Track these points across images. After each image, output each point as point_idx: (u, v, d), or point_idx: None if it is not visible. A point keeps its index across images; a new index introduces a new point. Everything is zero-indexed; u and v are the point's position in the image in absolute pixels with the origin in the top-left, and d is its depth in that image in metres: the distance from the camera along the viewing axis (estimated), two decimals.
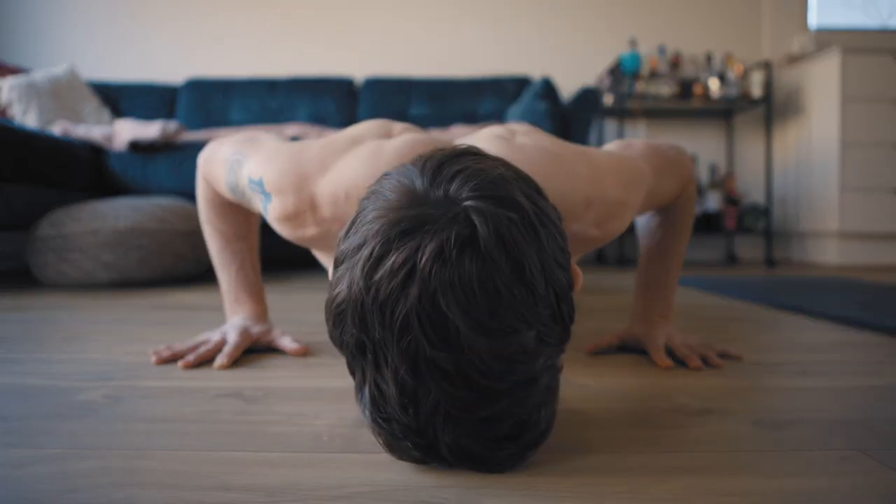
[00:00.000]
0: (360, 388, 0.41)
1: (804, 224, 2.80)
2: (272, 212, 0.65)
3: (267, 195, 0.65)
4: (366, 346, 0.39)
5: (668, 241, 0.84)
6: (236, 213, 0.84)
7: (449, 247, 0.37)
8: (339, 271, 0.41)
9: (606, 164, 0.65)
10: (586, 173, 0.62)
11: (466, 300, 0.36)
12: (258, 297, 0.85)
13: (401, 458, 0.42)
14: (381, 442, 0.42)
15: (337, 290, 0.40)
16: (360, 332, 0.38)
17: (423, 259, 0.37)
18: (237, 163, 0.71)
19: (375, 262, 0.38)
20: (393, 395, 0.38)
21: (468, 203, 0.39)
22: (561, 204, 0.55)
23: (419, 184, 0.41)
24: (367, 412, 0.40)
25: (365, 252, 0.39)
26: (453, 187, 0.40)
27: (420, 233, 0.38)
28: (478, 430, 0.39)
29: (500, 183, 0.41)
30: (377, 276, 0.37)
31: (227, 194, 0.76)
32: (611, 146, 0.74)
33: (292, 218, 0.64)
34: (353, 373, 0.42)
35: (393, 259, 0.37)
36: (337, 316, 0.40)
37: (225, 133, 2.20)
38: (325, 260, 0.76)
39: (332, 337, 0.42)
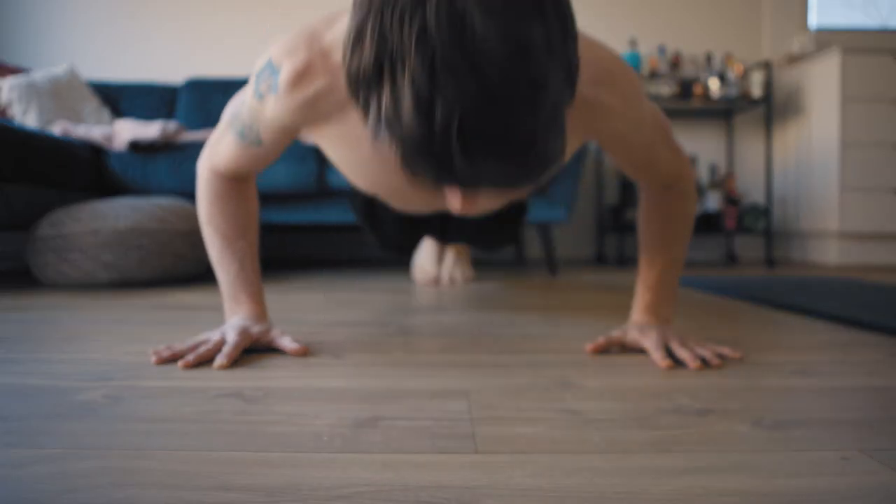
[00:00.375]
0: (376, 112, 0.42)
1: (804, 224, 2.80)
2: (283, 81, 0.67)
3: (276, 71, 0.68)
4: (383, 63, 0.40)
5: (668, 241, 0.84)
6: (236, 209, 0.84)
7: None
8: (356, 3, 0.44)
9: (609, 51, 0.69)
10: (587, 44, 0.65)
11: None
12: (258, 297, 0.85)
13: (414, 177, 0.43)
14: (398, 157, 0.43)
15: (356, 15, 0.43)
16: (378, 47, 0.40)
17: None
18: (239, 102, 0.76)
19: None
20: (408, 106, 0.39)
21: None
22: None
23: None
24: (384, 130, 0.42)
25: None
26: None
27: None
28: (491, 138, 0.40)
29: None
30: None
31: (235, 151, 0.78)
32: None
33: (303, 75, 0.66)
34: (367, 103, 0.43)
35: None
36: (356, 38, 0.42)
37: None
38: (332, 144, 0.77)
39: (348, 70, 0.44)
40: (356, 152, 0.76)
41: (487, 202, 0.78)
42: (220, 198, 0.84)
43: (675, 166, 0.82)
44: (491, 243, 1.53)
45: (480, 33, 0.38)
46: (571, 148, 0.79)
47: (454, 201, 0.51)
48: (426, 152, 0.41)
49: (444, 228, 1.39)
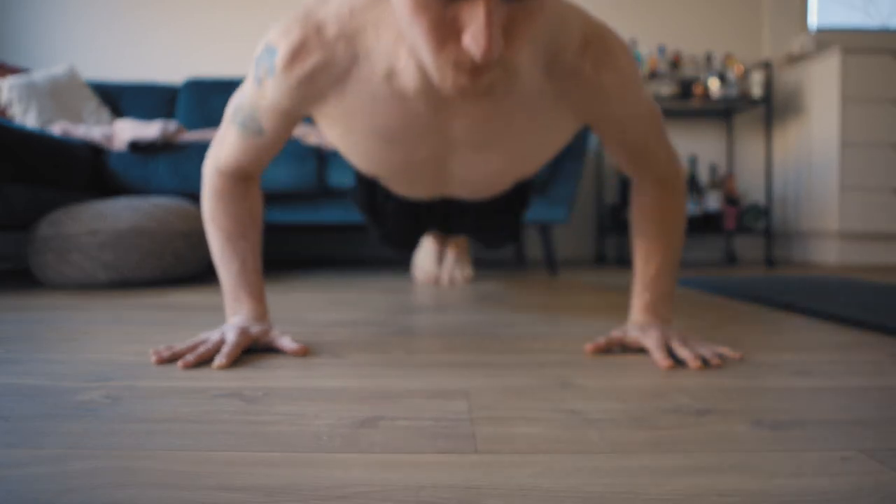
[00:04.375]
0: None
1: (804, 224, 2.80)
2: (280, 59, 0.69)
3: (273, 51, 0.70)
4: None
5: (663, 240, 0.84)
6: (240, 207, 0.84)
7: None
8: None
9: (606, 26, 0.72)
10: (585, 18, 0.70)
11: None
12: (258, 297, 0.85)
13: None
14: None
15: None
16: None
17: None
18: (241, 94, 0.78)
19: None
20: None
21: None
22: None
23: None
24: None
25: None
26: None
27: None
28: None
29: None
30: None
31: (240, 144, 0.80)
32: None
33: (298, 52, 0.68)
34: None
35: None
36: None
37: None
38: (331, 122, 0.78)
39: None
40: (356, 129, 0.77)
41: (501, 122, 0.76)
42: (223, 197, 0.84)
43: (669, 161, 0.84)
44: (492, 237, 1.50)
45: None
46: (570, 129, 0.80)
47: (477, 33, 0.49)
48: None
49: (446, 219, 1.37)
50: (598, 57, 0.68)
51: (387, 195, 1.27)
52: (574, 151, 2.08)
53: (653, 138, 0.81)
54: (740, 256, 3.06)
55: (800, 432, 0.50)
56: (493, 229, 1.43)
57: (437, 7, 0.49)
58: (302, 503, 0.37)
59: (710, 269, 2.41)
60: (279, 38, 0.70)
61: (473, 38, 0.49)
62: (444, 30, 0.50)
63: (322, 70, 0.69)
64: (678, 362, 0.74)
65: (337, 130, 0.79)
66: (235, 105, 0.80)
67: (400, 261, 2.79)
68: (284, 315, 1.13)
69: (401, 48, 0.66)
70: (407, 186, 1.00)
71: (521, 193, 1.34)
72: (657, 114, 0.81)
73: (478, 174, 0.91)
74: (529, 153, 0.84)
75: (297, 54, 0.68)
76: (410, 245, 1.50)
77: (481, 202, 1.26)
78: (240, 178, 0.86)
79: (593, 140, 2.93)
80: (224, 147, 0.83)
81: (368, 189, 1.30)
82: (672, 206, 0.85)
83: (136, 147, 2.05)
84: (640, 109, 0.77)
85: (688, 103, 2.80)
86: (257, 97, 0.75)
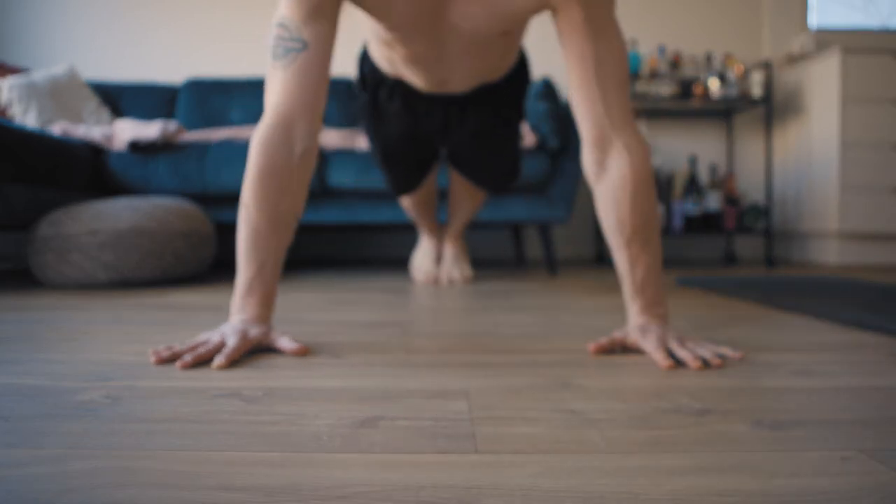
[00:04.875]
0: None
1: (804, 224, 2.80)
2: None
3: None
4: None
5: (641, 236, 0.82)
6: (280, 195, 0.82)
7: None
8: None
9: None
10: None
11: None
12: (267, 301, 0.84)
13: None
14: None
15: None
16: None
17: None
18: (272, 49, 0.84)
19: None
20: None
21: None
22: None
23: None
24: None
25: None
26: None
27: None
28: None
29: None
30: None
31: (289, 76, 0.83)
32: None
33: None
34: None
35: None
36: None
37: (225, 133, 2.20)
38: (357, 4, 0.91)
39: None
40: (384, 14, 0.90)
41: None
42: (265, 174, 0.81)
43: (632, 126, 0.85)
44: (494, 170, 1.63)
45: None
46: (529, 5, 0.88)
47: None
48: None
49: (447, 129, 1.52)
50: None
51: (391, 94, 1.44)
52: (574, 151, 2.08)
53: (616, 84, 0.84)
54: (740, 256, 3.06)
55: (800, 432, 0.50)
56: (491, 151, 1.59)
57: None
58: (302, 503, 0.37)
59: (710, 269, 2.41)
60: None
61: None
62: None
63: None
64: (678, 363, 0.74)
65: (365, 16, 0.88)
66: (273, 42, 0.82)
67: (400, 261, 2.79)
68: (284, 315, 1.13)
69: None
70: (413, 70, 1.21)
71: (513, 97, 1.54)
72: (624, 70, 0.85)
73: (470, 55, 1.15)
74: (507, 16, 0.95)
75: None
76: (416, 183, 1.64)
77: (479, 107, 1.46)
78: (292, 130, 0.83)
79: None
80: (272, 92, 0.84)
81: (385, 143, 1.52)
82: (643, 189, 0.82)
83: (136, 147, 2.05)
84: (606, 35, 0.85)
85: (688, 103, 2.80)
86: (289, 9, 0.81)
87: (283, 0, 0.83)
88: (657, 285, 0.84)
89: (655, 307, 0.83)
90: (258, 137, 0.83)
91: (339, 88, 2.68)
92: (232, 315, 0.84)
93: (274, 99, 0.84)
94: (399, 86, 1.43)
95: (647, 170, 0.84)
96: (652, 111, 2.94)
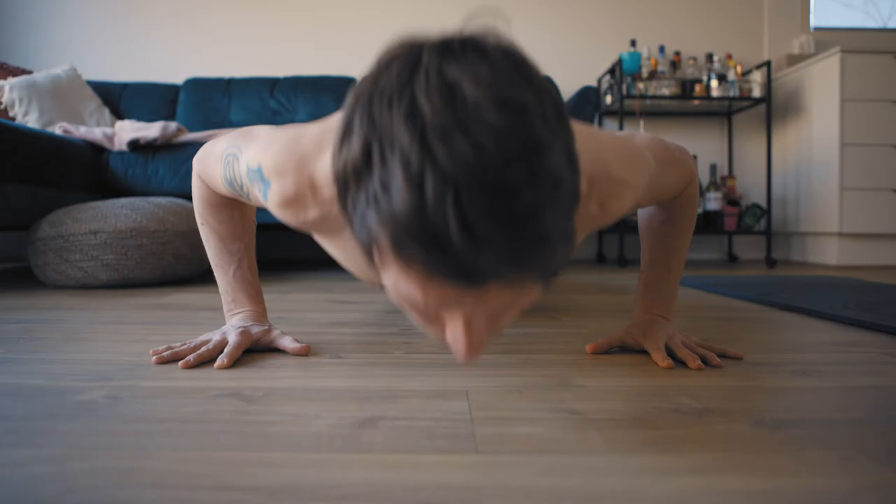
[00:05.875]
0: (363, 206, 0.38)
1: (804, 224, 2.80)
2: (272, 198, 0.65)
3: (266, 182, 0.65)
4: (371, 147, 0.38)
5: (669, 242, 0.84)
6: (232, 212, 0.83)
7: (453, 42, 0.39)
8: (346, 102, 0.41)
9: (610, 143, 0.65)
10: (591, 150, 0.62)
11: (472, 70, 0.37)
12: (257, 298, 0.85)
13: (406, 266, 0.38)
14: (386, 245, 0.38)
15: (345, 111, 0.40)
16: (366, 132, 0.38)
17: (428, 54, 0.38)
18: (233, 157, 0.71)
19: (379, 73, 0.39)
20: (399, 179, 0.36)
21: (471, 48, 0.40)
22: None
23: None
24: (371, 213, 0.38)
25: (370, 74, 0.40)
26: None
27: (422, 44, 0.40)
28: (489, 207, 0.35)
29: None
30: (382, 81, 0.38)
31: (225, 190, 0.76)
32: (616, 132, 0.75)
33: (293, 202, 0.64)
34: (355, 204, 0.39)
35: (396, 65, 0.38)
36: (345, 131, 0.39)
37: (225, 133, 2.21)
38: (329, 245, 0.76)
39: (336, 170, 0.40)
40: (353, 256, 0.74)
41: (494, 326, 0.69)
42: (213, 205, 0.83)
43: (681, 180, 0.80)
44: None
45: (472, 99, 0.36)
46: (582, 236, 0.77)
47: (456, 339, 0.43)
48: (419, 229, 0.36)
49: None
50: (604, 195, 0.64)
51: None
52: None
53: (665, 177, 0.76)
54: (740, 256, 3.06)
55: (800, 432, 0.50)
56: None
57: (423, 279, 0.41)
58: (302, 503, 0.37)
59: (710, 269, 2.41)
60: (272, 174, 0.64)
61: (453, 342, 0.43)
62: (429, 318, 0.44)
63: (318, 222, 0.66)
64: (678, 362, 0.74)
65: (331, 249, 0.77)
66: (225, 161, 0.73)
67: None
68: (284, 315, 1.13)
69: None
70: None
71: None
72: (659, 155, 0.74)
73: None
74: None
75: (291, 203, 0.64)
76: None
77: None
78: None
79: None
80: (211, 175, 0.78)
81: None
82: (682, 211, 0.84)
83: (136, 146, 2.05)
84: (650, 186, 0.72)
85: (688, 103, 2.80)
86: (248, 186, 0.70)
87: (242, 170, 0.69)
88: (669, 289, 0.84)
89: (662, 308, 0.83)
90: (200, 190, 0.83)
91: (339, 88, 2.69)
92: (228, 318, 0.84)
93: (213, 185, 0.79)
94: None
95: (695, 196, 0.84)
96: (652, 111, 2.94)
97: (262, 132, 0.71)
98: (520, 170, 0.36)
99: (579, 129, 0.64)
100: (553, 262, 0.39)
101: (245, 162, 0.68)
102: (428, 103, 0.36)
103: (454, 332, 0.42)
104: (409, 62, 0.38)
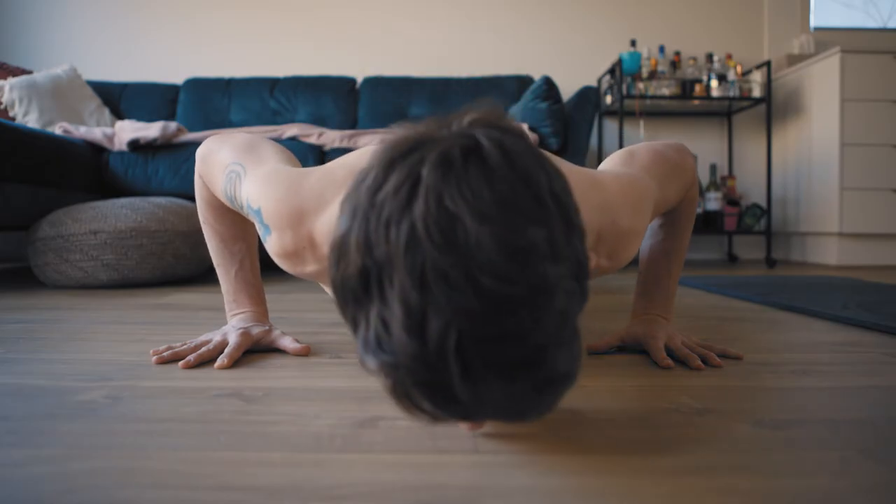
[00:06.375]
0: (364, 333, 0.38)
1: (804, 224, 2.79)
2: (271, 247, 0.65)
3: (266, 227, 0.65)
4: (370, 275, 0.36)
5: (669, 242, 0.84)
6: (234, 214, 0.83)
7: (453, 154, 0.36)
8: (343, 208, 0.39)
9: (616, 191, 0.64)
10: (597, 202, 0.61)
11: (473, 197, 0.35)
12: (258, 299, 0.85)
13: (410, 411, 0.38)
14: (388, 389, 0.38)
15: (341, 224, 0.39)
16: (363, 257, 0.36)
17: (427, 168, 0.36)
18: (236, 175, 0.70)
19: (378, 183, 0.37)
20: (399, 321, 0.35)
21: (471, 129, 0.38)
22: None
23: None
24: (372, 355, 0.37)
25: (368, 179, 0.38)
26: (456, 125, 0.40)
27: (422, 148, 0.37)
28: (493, 356, 0.35)
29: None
30: (380, 196, 0.36)
31: (225, 201, 0.75)
32: (614, 159, 0.74)
33: (291, 255, 0.64)
34: (355, 322, 0.38)
35: (396, 176, 0.37)
36: (340, 248, 0.38)
37: (225, 133, 2.20)
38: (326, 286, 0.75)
39: (333, 282, 0.39)
40: None
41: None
42: (215, 207, 0.83)
43: (682, 189, 0.79)
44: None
45: (474, 238, 0.34)
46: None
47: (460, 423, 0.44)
48: (421, 376, 0.35)
49: None
50: (613, 248, 0.64)
51: None
52: (574, 151, 2.07)
53: (667, 190, 0.74)
54: (740, 256, 3.06)
55: (800, 432, 0.50)
56: None
57: (427, 420, 0.41)
58: (302, 503, 0.37)
59: (710, 269, 2.41)
60: (271, 220, 0.63)
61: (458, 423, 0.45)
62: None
63: (316, 275, 0.66)
64: (678, 362, 0.74)
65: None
66: (227, 177, 0.72)
67: None
68: (284, 315, 1.13)
69: None
70: None
71: None
72: (661, 169, 0.73)
73: None
74: None
75: (290, 256, 0.64)
76: None
77: None
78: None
79: (594, 139, 2.93)
80: (212, 181, 0.76)
81: None
82: (681, 212, 0.84)
83: (136, 146, 2.05)
84: (653, 205, 0.70)
85: (688, 103, 2.80)
86: (247, 214, 0.69)
87: (243, 198, 0.68)
88: (668, 289, 0.84)
89: (661, 307, 0.83)
90: (202, 192, 0.82)
91: (339, 88, 2.69)
92: (229, 318, 0.84)
93: (214, 190, 0.77)
94: None
95: (695, 197, 0.83)
96: (652, 111, 2.94)
97: (267, 160, 0.70)
98: (524, 315, 0.35)
99: (584, 179, 0.63)
100: (558, 399, 0.39)
101: (245, 195, 0.67)
102: (427, 237, 0.34)
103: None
104: (409, 178, 0.36)
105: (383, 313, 0.36)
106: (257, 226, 0.67)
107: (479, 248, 0.34)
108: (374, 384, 0.65)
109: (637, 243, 0.66)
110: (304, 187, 0.63)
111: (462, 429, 0.48)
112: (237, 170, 0.70)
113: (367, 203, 0.37)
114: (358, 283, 0.37)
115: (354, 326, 0.39)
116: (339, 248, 0.38)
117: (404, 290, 0.34)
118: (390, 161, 0.37)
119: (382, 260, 0.35)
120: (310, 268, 0.64)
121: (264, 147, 0.73)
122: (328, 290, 0.76)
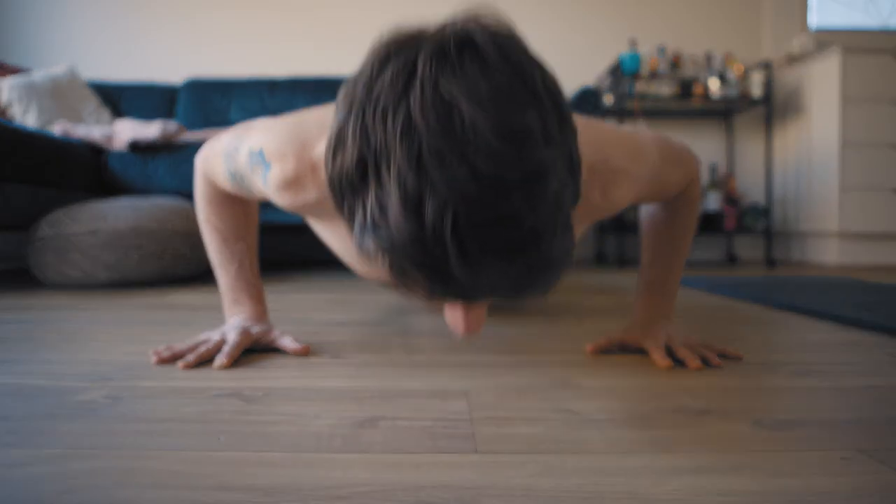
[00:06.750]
0: (361, 218, 0.38)
1: (804, 224, 2.80)
2: (272, 180, 0.65)
3: (267, 164, 0.65)
4: (366, 163, 0.37)
5: (671, 242, 0.84)
6: (234, 211, 0.83)
7: (449, 47, 0.37)
8: (339, 105, 0.40)
9: (610, 134, 0.66)
10: (590, 139, 0.62)
11: (469, 85, 0.36)
12: (258, 298, 0.85)
13: (407, 286, 0.39)
14: (387, 266, 0.38)
15: (337, 118, 0.39)
16: (361, 147, 0.37)
17: (422, 60, 0.37)
18: (234, 149, 0.72)
19: (374, 76, 0.37)
20: (396, 204, 0.35)
21: (466, 25, 0.39)
22: None
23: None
24: (370, 237, 0.37)
25: (364, 73, 0.38)
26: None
27: (417, 43, 0.38)
28: (488, 236, 0.35)
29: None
30: (376, 88, 0.37)
31: (227, 184, 0.76)
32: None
33: (293, 183, 0.64)
34: (352, 211, 0.39)
35: (391, 68, 0.37)
36: (337, 141, 0.38)
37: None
38: (326, 234, 0.75)
39: (330, 177, 0.39)
40: (349, 246, 0.74)
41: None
42: (216, 203, 0.83)
43: (684, 178, 0.79)
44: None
45: (470, 122, 0.35)
46: (578, 232, 0.75)
47: (455, 321, 0.45)
48: (418, 257, 0.36)
49: None
50: (605, 182, 0.64)
51: None
52: None
53: (667, 173, 0.75)
54: (740, 256, 3.06)
55: (800, 432, 0.50)
56: None
57: (423, 300, 0.43)
58: (302, 503, 0.37)
59: (710, 269, 2.41)
60: (272, 157, 0.64)
61: (452, 323, 0.45)
62: (429, 305, 0.46)
63: (317, 205, 0.66)
64: (678, 362, 0.74)
65: (327, 237, 0.76)
66: (228, 152, 0.73)
67: None
68: (284, 315, 1.13)
69: None
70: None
71: None
72: (662, 151, 0.73)
73: None
74: None
75: (291, 185, 0.64)
76: None
77: None
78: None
79: None
80: (214, 171, 0.78)
81: None
82: (685, 212, 0.83)
83: (136, 147, 2.05)
84: (649, 176, 0.71)
85: (688, 103, 2.80)
86: (249, 177, 0.70)
87: (243, 158, 0.69)
88: (669, 289, 0.84)
89: (662, 307, 0.83)
90: (203, 187, 0.82)
91: (339, 88, 2.68)
92: (228, 317, 0.84)
93: (217, 181, 0.79)
94: None
95: (698, 195, 0.83)
96: (652, 111, 2.94)
97: (264, 121, 0.72)
98: (519, 197, 0.35)
99: (581, 120, 0.64)
100: (552, 282, 0.39)
101: (247, 148, 0.69)
102: (424, 122, 0.35)
103: (453, 316, 0.44)
104: (404, 69, 0.37)
105: (381, 197, 0.36)
106: (259, 171, 0.67)
107: (474, 132, 0.35)
108: (375, 384, 0.65)
109: (632, 188, 0.66)
110: (304, 121, 0.65)
111: (457, 329, 0.47)
112: (235, 144, 0.72)
113: (363, 95, 0.38)
114: (355, 172, 0.37)
115: (352, 215, 0.39)
116: (336, 141, 0.39)
117: (401, 174, 0.35)
118: (385, 56, 0.38)
119: (379, 147, 0.36)
120: (310, 195, 0.64)
121: (258, 120, 0.75)
122: (321, 229, 0.74)
